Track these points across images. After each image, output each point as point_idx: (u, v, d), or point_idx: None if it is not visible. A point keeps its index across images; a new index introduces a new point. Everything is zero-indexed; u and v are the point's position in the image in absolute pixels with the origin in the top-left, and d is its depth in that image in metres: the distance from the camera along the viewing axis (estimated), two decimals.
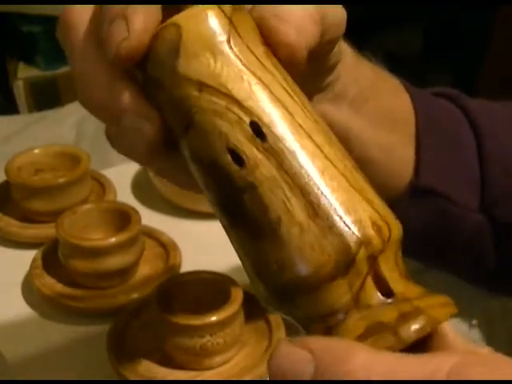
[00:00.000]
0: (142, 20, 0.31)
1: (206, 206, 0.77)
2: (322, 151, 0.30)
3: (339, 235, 0.28)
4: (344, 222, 0.28)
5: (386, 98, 0.48)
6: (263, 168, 0.29)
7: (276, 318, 0.61)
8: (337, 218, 0.28)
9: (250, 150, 0.29)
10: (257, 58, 0.31)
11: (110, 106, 0.32)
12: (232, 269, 0.66)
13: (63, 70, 1.66)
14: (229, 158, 0.30)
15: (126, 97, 0.32)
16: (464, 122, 0.52)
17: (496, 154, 0.51)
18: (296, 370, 0.25)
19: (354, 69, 0.44)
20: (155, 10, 0.32)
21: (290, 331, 0.62)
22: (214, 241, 0.72)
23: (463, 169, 0.51)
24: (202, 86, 0.30)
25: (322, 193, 0.29)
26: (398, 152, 0.49)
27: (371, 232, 0.28)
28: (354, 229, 0.28)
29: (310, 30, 0.33)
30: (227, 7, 0.31)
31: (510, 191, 0.51)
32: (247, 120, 0.30)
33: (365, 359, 0.25)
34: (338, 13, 0.37)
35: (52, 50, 1.66)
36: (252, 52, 0.31)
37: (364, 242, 0.28)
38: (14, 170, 0.74)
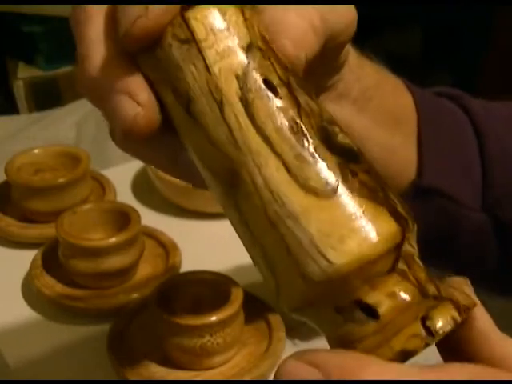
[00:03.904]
0: (161, 5, 0.29)
1: (205, 205, 0.77)
2: None
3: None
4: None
5: (388, 98, 0.48)
6: None
7: (276, 318, 0.61)
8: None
9: None
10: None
11: (114, 85, 0.30)
12: (232, 269, 0.65)
13: (63, 69, 1.66)
14: None
15: (129, 78, 0.30)
16: (466, 121, 0.52)
17: (498, 153, 0.51)
18: None
19: (357, 68, 0.44)
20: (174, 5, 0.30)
21: (290, 331, 0.62)
22: (214, 241, 0.72)
23: (465, 168, 0.51)
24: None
25: None
26: (401, 152, 0.49)
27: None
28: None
29: (309, 43, 0.33)
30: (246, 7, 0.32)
31: None
32: None
33: (376, 371, 0.25)
34: (346, 15, 0.37)
35: (52, 50, 1.66)
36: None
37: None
38: (14, 170, 0.74)
